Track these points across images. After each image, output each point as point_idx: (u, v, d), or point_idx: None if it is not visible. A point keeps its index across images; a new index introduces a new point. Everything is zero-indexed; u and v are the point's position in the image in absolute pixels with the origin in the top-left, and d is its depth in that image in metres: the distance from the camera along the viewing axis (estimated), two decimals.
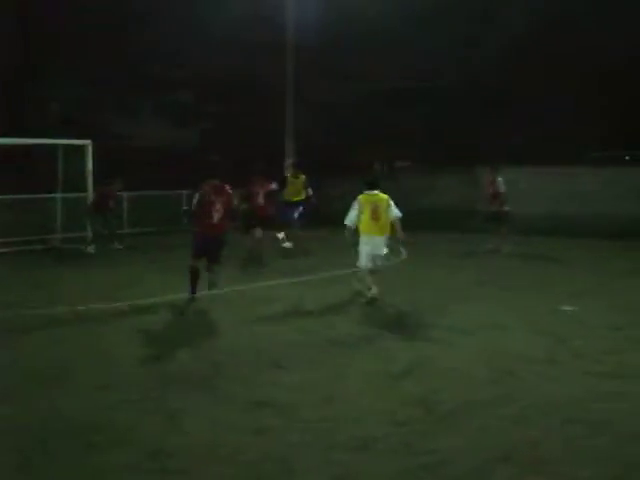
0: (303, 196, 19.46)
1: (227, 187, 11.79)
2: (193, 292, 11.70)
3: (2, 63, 25.37)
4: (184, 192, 23.32)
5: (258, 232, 16.66)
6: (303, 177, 19.60)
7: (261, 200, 16.98)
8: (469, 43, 28.90)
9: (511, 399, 7.08)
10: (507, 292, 12.88)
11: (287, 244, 18.48)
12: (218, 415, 6.56)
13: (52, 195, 20.06)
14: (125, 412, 6.60)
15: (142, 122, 32.41)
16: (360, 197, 12.05)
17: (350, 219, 11.98)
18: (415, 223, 24.06)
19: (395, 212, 11.99)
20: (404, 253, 18.09)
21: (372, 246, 11.91)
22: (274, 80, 28.47)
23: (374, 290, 11.82)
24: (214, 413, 6.61)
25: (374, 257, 11.98)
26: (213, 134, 32.84)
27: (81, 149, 19.77)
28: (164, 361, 8.34)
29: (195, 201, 11.65)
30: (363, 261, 12.03)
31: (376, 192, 12.09)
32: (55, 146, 20.09)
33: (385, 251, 12.12)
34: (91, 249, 18.59)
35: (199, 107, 31.76)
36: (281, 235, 18.47)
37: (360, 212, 11.90)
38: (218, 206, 11.58)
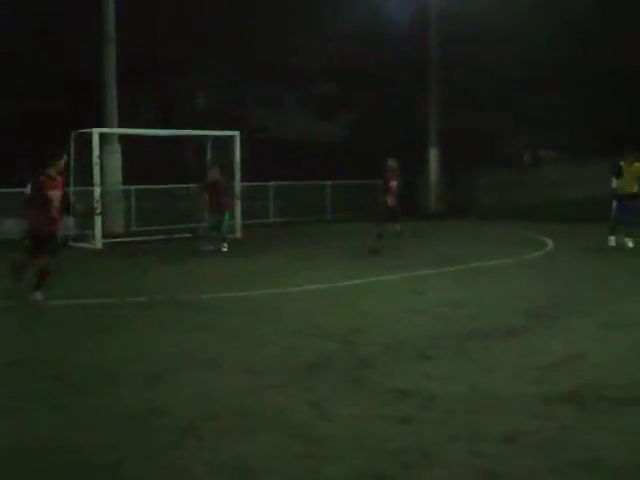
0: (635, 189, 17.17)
1: None
2: None
3: (153, 59, 26.39)
4: (328, 183, 23.93)
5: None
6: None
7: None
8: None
9: None
10: None
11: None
12: (363, 403, 6.56)
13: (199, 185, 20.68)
14: (271, 397, 6.69)
15: (284, 114, 32.86)
16: None
17: None
18: (561, 214, 23.64)
19: None
20: (550, 244, 17.67)
21: None
22: (416, 70, 28.36)
23: None
24: (359, 401, 6.61)
25: None
26: (357, 125, 32.98)
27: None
28: (308, 349, 8.40)
29: None
30: None
31: None
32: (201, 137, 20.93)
33: None
34: (224, 247, 17.86)
35: (342, 98, 31.90)
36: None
37: None
38: None
